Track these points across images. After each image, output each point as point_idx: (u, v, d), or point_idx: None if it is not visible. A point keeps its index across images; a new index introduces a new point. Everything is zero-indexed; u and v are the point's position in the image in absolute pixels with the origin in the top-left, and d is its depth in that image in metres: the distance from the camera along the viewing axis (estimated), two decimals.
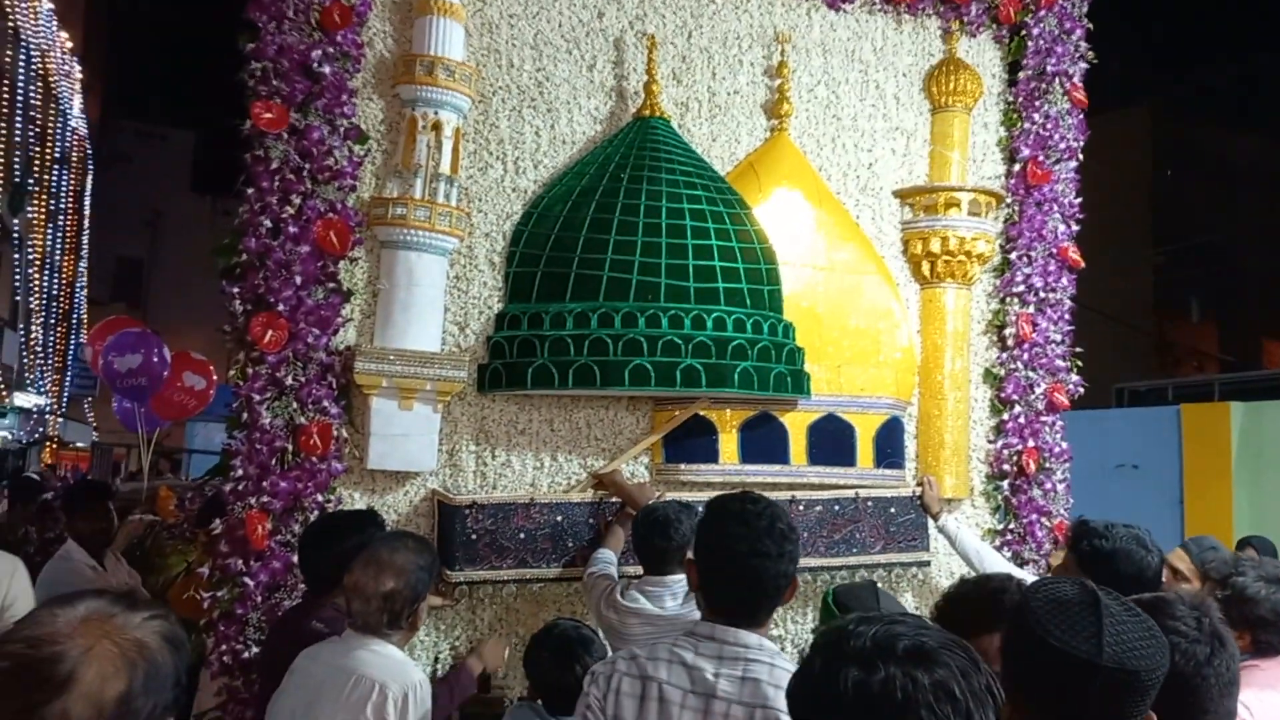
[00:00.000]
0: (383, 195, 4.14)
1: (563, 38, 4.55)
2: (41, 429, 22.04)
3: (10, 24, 17.75)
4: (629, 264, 4.21)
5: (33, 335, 20.64)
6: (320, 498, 3.91)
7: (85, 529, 5.01)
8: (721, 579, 2.26)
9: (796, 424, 4.56)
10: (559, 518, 4.09)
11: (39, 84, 19.85)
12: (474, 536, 3.95)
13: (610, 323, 4.14)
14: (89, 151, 25.48)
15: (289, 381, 3.88)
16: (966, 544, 4.39)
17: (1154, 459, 8.60)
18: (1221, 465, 8.18)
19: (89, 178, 25.70)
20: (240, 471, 3.83)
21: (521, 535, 4.02)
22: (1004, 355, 5.09)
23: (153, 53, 29.30)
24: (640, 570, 3.68)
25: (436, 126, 4.16)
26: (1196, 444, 8.45)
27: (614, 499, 4.19)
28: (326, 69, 4.00)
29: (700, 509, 4.04)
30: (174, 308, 26.82)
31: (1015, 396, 5.03)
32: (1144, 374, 18.56)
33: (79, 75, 23.37)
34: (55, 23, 20.91)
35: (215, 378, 8.27)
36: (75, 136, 23.80)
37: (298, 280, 3.90)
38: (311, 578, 3.42)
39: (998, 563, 4.33)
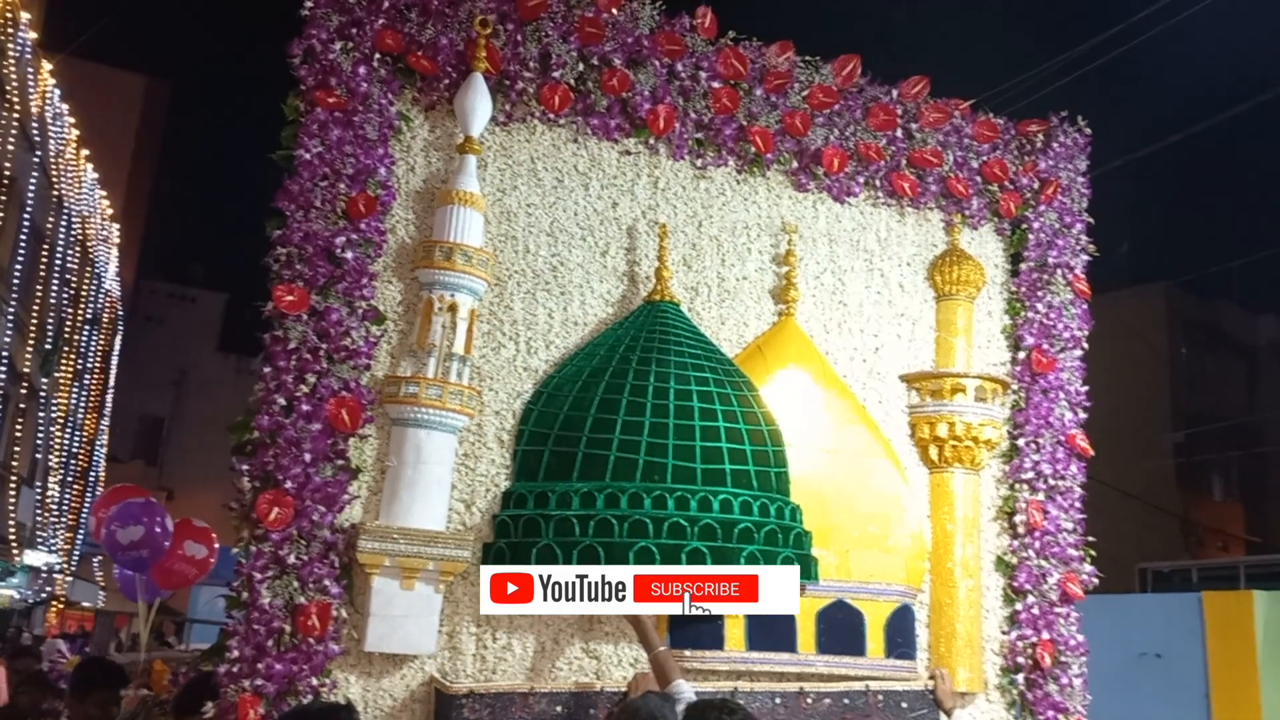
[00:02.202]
0: (396, 374, 4.22)
1: (578, 225, 4.72)
2: (49, 588, 21.77)
3: (55, 192, 18.54)
4: (636, 444, 4.25)
5: (48, 493, 20.62)
6: (315, 681, 3.82)
7: (95, 715, 4.76)
8: None
9: (804, 610, 4.46)
10: (558, 708, 3.98)
11: (77, 248, 20.56)
12: None
13: (616, 503, 4.14)
14: (120, 313, 26.13)
15: (291, 560, 3.86)
16: None
17: (1178, 648, 8.31)
18: (1246, 657, 7.89)
19: (118, 338, 26.27)
20: (236, 653, 3.77)
21: None
22: (1015, 543, 5.04)
23: (192, 217, 30.53)
24: None
25: (453, 308, 4.27)
26: (1220, 634, 8.17)
27: (617, 689, 4.08)
28: (349, 255, 4.15)
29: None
30: (191, 465, 27.01)
31: (1028, 586, 4.95)
32: (1168, 552, 18.23)
33: (117, 239, 24.22)
34: (98, 190, 21.81)
35: (217, 544, 8.21)
36: (108, 299, 24.45)
37: (307, 458, 3.93)
38: None
39: None
